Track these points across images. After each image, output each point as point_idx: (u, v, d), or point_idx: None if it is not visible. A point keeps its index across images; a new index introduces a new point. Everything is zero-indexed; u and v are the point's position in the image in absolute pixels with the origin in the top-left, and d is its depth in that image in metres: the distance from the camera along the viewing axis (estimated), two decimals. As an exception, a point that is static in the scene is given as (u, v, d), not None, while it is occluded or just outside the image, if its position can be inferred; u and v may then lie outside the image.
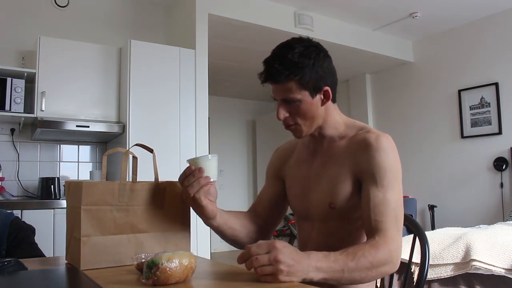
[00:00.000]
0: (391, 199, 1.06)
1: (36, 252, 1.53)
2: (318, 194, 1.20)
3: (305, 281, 0.91)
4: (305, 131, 1.17)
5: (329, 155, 1.20)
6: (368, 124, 1.20)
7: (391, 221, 1.05)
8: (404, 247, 2.69)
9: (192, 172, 1.07)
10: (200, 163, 1.09)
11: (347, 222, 1.18)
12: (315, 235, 1.22)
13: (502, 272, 2.34)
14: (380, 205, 1.06)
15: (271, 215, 1.35)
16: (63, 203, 2.89)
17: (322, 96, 1.14)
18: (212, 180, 1.10)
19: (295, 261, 0.89)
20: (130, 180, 1.14)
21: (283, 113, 1.13)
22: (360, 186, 1.13)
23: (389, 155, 1.10)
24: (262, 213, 1.33)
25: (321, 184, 1.19)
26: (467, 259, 2.45)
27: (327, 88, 1.14)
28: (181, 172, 1.10)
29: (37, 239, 1.62)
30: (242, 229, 1.25)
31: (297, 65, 1.08)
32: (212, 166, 1.10)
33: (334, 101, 1.20)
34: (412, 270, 2.53)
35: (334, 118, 1.20)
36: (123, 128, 3.21)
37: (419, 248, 1.24)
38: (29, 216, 2.71)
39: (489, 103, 4.49)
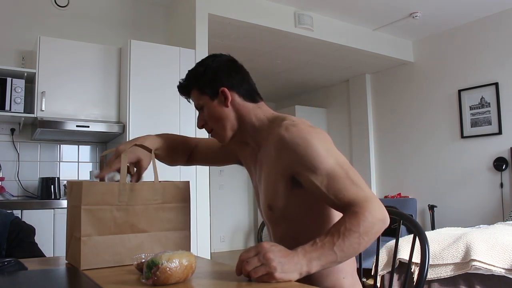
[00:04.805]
0: (335, 171, 1.01)
1: (36, 252, 1.53)
2: (262, 198, 1.19)
3: (303, 276, 0.90)
4: (222, 135, 1.21)
5: (263, 158, 1.17)
6: (291, 116, 1.16)
7: (351, 187, 1.00)
8: (404, 247, 2.70)
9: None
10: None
11: (292, 224, 1.15)
12: (273, 239, 1.23)
13: (502, 272, 2.34)
14: (331, 184, 1.01)
15: (199, 160, 1.48)
16: (63, 203, 2.89)
17: (223, 98, 1.17)
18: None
19: (286, 257, 0.89)
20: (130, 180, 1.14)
21: (200, 122, 1.23)
22: (294, 181, 1.09)
23: (305, 139, 1.04)
24: (196, 156, 1.45)
25: (262, 187, 1.18)
26: (467, 259, 2.45)
27: (223, 89, 1.17)
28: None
29: (37, 239, 1.62)
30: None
31: (191, 76, 1.22)
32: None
33: (253, 100, 1.20)
34: (412, 270, 2.53)
35: (256, 117, 1.18)
36: (123, 128, 3.21)
37: (419, 248, 1.24)
38: (29, 216, 2.71)
39: (489, 103, 4.49)
